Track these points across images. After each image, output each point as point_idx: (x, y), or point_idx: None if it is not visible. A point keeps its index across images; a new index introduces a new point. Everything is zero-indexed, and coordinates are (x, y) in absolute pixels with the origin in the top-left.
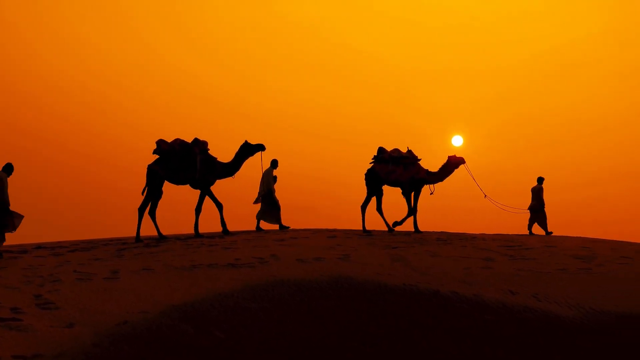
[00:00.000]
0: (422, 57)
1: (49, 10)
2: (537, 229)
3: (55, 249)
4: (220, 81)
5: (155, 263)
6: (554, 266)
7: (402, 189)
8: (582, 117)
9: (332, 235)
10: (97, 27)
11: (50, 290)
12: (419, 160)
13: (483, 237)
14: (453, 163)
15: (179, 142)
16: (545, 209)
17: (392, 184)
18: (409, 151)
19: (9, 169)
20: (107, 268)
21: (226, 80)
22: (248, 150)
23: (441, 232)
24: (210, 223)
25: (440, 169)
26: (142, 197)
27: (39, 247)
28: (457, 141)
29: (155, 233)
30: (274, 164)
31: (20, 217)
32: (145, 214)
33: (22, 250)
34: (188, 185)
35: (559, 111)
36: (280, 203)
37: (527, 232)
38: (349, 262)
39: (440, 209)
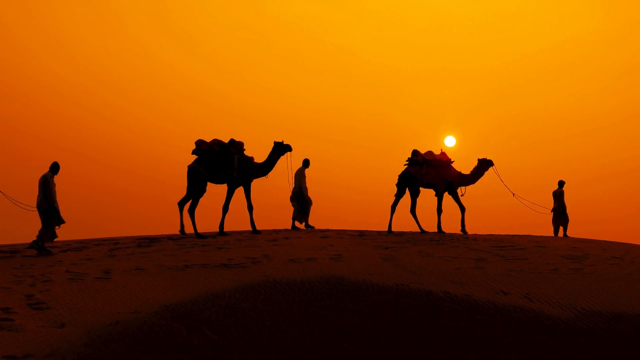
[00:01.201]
0: (414, 57)
1: (50, 12)
2: (560, 231)
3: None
4: (214, 81)
5: (147, 263)
6: (546, 266)
7: (435, 190)
8: (573, 117)
9: (324, 235)
10: (93, 29)
11: (42, 290)
12: (452, 162)
13: (475, 238)
14: (483, 165)
15: (217, 142)
16: (567, 211)
17: (426, 185)
18: (442, 153)
19: (55, 168)
20: (99, 268)
21: (220, 80)
22: (280, 149)
23: (433, 232)
24: (208, 223)
25: (472, 171)
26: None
27: (30, 247)
28: (450, 141)
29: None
30: (306, 163)
31: (61, 221)
32: (185, 210)
33: (14, 250)
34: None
35: (551, 111)
36: (276, 203)
37: (553, 235)
38: (341, 262)
39: (432, 210)
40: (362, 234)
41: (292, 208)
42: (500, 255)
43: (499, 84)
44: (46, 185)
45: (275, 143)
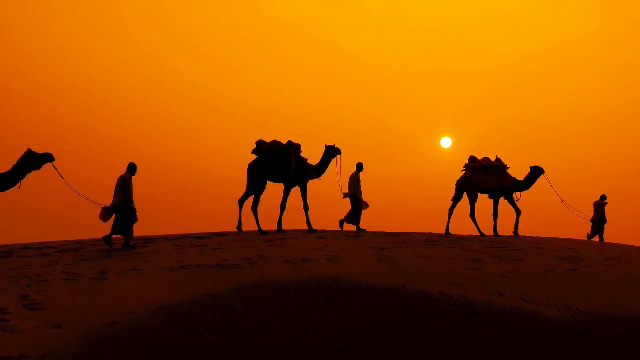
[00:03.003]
0: (410, 58)
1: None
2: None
3: (43, 249)
4: (210, 82)
5: (143, 264)
6: (541, 267)
7: (490, 195)
8: (570, 118)
9: (320, 236)
10: (91, 29)
11: (37, 291)
12: (508, 168)
13: (471, 239)
14: (535, 172)
15: (276, 143)
16: (605, 224)
17: (483, 191)
18: (498, 159)
19: (133, 169)
20: (94, 268)
21: (216, 80)
22: (331, 153)
23: (430, 233)
24: (207, 223)
25: (526, 178)
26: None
27: (25, 247)
28: (446, 142)
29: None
30: (359, 167)
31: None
32: (245, 207)
33: (9, 250)
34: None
35: (548, 112)
36: (270, 203)
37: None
38: (337, 263)
39: (429, 211)
40: (358, 234)
41: (352, 210)
42: (497, 256)
43: (496, 85)
44: (125, 186)
45: (327, 146)
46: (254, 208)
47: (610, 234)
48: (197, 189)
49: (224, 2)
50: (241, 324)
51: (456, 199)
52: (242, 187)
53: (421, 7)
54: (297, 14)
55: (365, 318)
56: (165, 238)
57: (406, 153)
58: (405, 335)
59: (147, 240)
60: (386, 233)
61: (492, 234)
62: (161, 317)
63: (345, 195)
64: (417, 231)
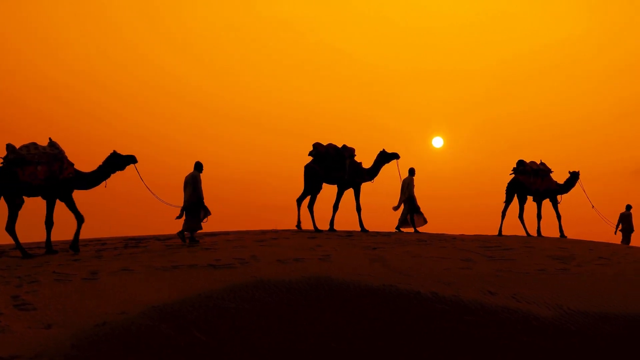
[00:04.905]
0: (401, 58)
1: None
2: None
3: (34, 249)
4: (205, 82)
5: (135, 264)
6: (533, 267)
7: (534, 198)
8: (562, 118)
9: (312, 235)
10: (86, 30)
11: (28, 291)
12: (552, 172)
13: (462, 238)
14: (574, 177)
15: (332, 147)
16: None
17: (532, 193)
18: (542, 163)
19: (200, 167)
20: (86, 269)
21: (211, 80)
22: (385, 158)
23: (421, 232)
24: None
25: (566, 182)
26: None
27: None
28: (438, 142)
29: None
30: (412, 172)
31: (208, 212)
32: (303, 207)
33: (0, 250)
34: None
35: (540, 112)
36: (264, 203)
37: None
38: (329, 263)
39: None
40: (350, 234)
41: (409, 214)
42: (488, 256)
43: (488, 85)
44: (196, 182)
45: (381, 152)
46: (310, 207)
47: (601, 233)
48: None
49: (220, 2)
50: (235, 324)
51: (508, 201)
52: (235, 187)
53: (412, 8)
54: (291, 14)
55: (362, 318)
56: (157, 238)
57: (398, 153)
58: (397, 334)
59: (138, 240)
60: (378, 233)
61: (535, 234)
62: (153, 317)
63: (395, 208)
64: (408, 230)
